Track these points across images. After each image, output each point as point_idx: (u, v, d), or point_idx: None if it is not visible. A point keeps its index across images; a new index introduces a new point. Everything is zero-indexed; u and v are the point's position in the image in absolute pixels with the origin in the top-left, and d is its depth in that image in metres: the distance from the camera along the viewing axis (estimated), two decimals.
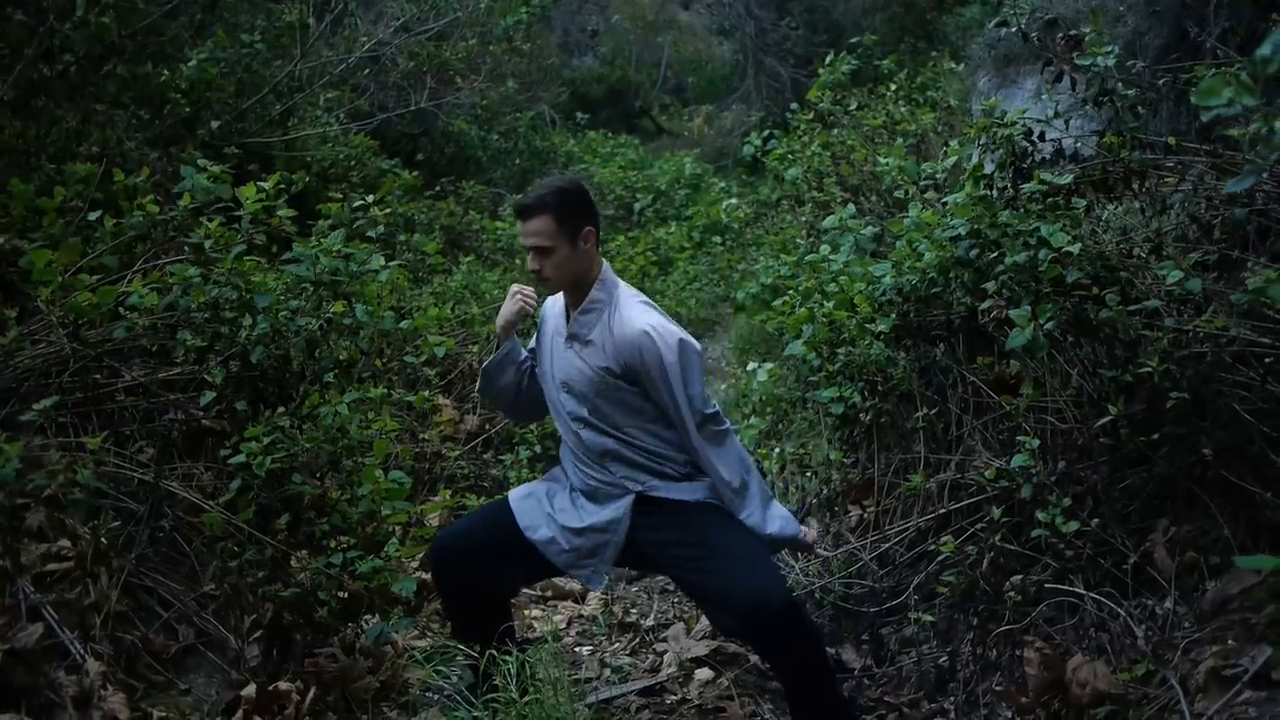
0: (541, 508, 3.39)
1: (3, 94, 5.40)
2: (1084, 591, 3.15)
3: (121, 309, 3.77)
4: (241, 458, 3.55)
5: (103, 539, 3.36)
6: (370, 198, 4.51)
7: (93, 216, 4.29)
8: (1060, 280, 3.24)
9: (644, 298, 3.34)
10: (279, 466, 3.60)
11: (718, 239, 10.99)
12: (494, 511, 3.52)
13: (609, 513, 3.29)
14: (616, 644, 4.34)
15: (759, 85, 15.02)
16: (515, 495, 3.47)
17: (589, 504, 3.34)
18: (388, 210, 8.76)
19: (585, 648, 4.32)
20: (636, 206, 12.61)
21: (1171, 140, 3.54)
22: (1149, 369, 3.03)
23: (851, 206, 4.81)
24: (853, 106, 7.97)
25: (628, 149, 15.05)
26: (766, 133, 8.87)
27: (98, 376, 3.78)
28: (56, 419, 3.69)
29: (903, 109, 7.31)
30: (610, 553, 3.32)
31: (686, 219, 11.97)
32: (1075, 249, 3.18)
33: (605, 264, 3.35)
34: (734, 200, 10.58)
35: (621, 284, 3.35)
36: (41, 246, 3.86)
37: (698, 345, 3.24)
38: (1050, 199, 3.45)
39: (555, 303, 3.45)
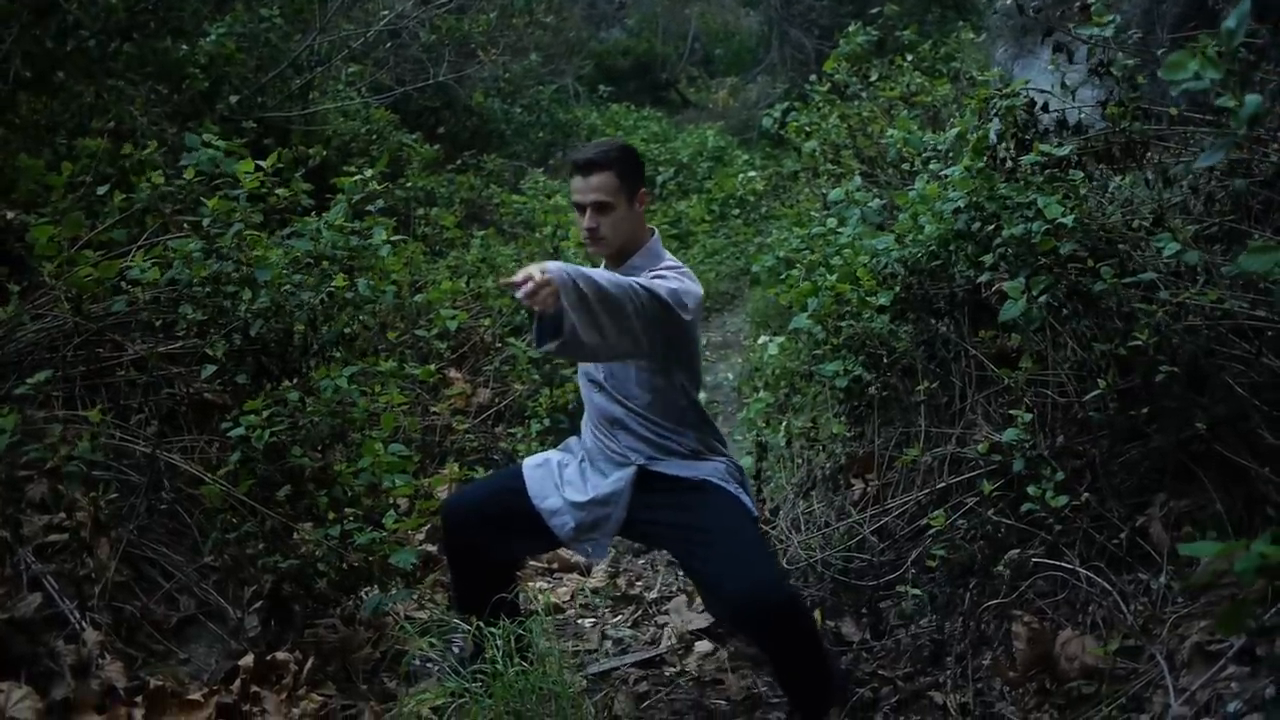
0: (552, 477, 3.37)
1: (18, 70, 5.44)
2: (1076, 567, 3.13)
3: (124, 283, 3.80)
4: (241, 430, 3.58)
5: (103, 510, 3.41)
6: (370, 171, 4.49)
7: (101, 191, 4.33)
8: (1055, 252, 3.21)
9: (683, 268, 3.29)
10: (278, 440, 3.64)
11: (737, 212, 10.95)
12: (506, 478, 3.51)
13: (610, 485, 3.28)
14: (619, 616, 4.36)
15: (784, 57, 14.92)
16: (529, 463, 3.45)
17: (595, 475, 3.33)
18: (406, 183, 8.86)
19: (588, 620, 4.35)
20: (659, 179, 12.56)
21: (1174, 111, 3.49)
22: (1139, 342, 3.00)
23: (858, 178, 4.78)
24: (873, 78, 7.90)
25: (650, 122, 14.99)
26: (786, 105, 8.80)
27: (100, 350, 3.82)
28: (63, 392, 3.74)
29: (918, 79, 7.23)
30: (610, 526, 3.31)
31: (704, 192, 11.92)
32: (1069, 221, 3.15)
33: (656, 234, 3.35)
34: (754, 173, 10.51)
35: (667, 256, 3.32)
36: (47, 221, 3.90)
37: (699, 295, 3.20)
38: (1048, 170, 3.42)
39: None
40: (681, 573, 4.67)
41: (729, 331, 9.05)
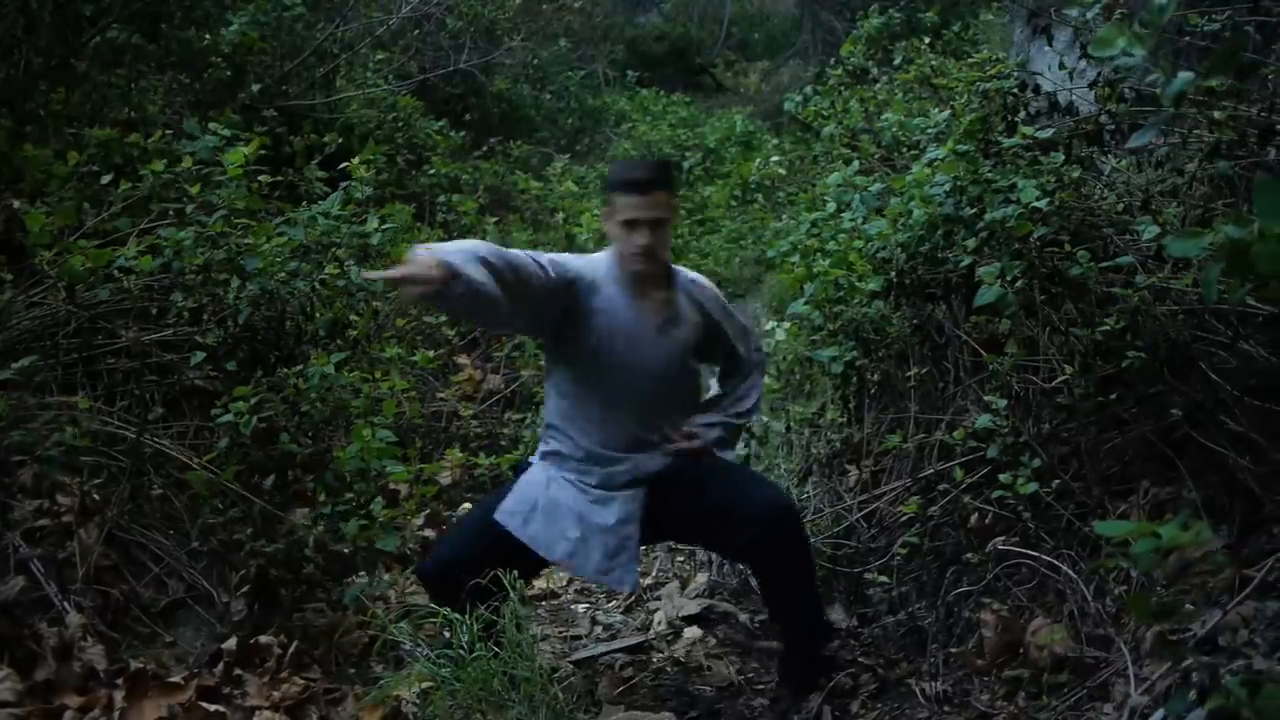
0: (550, 525, 3.21)
1: (31, 60, 5.51)
2: (1044, 555, 3.10)
3: (117, 271, 3.86)
4: (229, 417, 3.63)
5: (92, 495, 3.47)
6: (355, 159, 4.51)
7: (105, 180, 4.39)
8: (1031, 236, 3.18)
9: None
10: (269, 425, 3.68)
11: (759, 196, 10.89)
12: (487, 538, 3.22)
13: (627, 506, 3.25)
14: (612, 602, 4.37)
15: (815, 40, 14.81)
16: (514, 523, 3.20)
17: (601, 494, 3.26)
18: (430, 170, 8.87)
19: (581, 605, 4.36)
20: (686, 164, 12.50)
21: (1158, 92, 3.42)
22: (1109, 327, 2.97)
23: (856, 163, 4.74)
24: (896, 61, 7.83)
25: (679, 107, 14.91)
26: (807, 89, 8.75)
27: (96, 337, 3.87)
28: (59, 379, 3.80)
29: (934, 63, 7.15)
30: (634, 545, 3.26)
31: (723, 176, 11.86)
32: (1044, 205, 3.12)
33: None
34: (776, 158, 10.43)
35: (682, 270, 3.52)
36: (44, 210, 3.96)
37: None
38: (1030, 154, 3.38)
39: (604, 274, 3.28)
40: (681, 558, 4.68)
41: (749, 317, 9.03)
